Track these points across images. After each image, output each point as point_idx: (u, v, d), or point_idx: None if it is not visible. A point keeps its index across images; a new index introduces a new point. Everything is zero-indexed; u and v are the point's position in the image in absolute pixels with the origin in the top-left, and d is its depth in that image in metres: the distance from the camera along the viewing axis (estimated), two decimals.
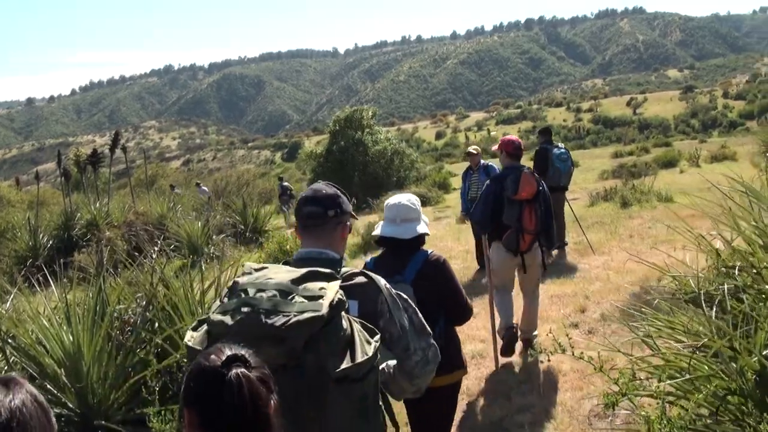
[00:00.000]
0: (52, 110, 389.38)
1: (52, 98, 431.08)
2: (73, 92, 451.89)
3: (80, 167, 17.66)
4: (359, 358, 2.16)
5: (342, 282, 2.40)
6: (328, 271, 2.35)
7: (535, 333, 7.00)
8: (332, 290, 2.22)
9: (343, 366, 2.12)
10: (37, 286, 5.76)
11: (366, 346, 2.22)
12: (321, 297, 2.17)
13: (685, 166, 24.21)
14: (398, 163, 30.07)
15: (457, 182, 28.60)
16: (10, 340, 4.79)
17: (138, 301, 5.21)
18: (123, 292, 5.34)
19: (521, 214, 6.42)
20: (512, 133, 47.18)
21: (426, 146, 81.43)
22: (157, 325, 5.00)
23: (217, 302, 2.26)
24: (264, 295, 2.17)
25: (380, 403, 2.38)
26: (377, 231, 4.00)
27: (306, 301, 2.15)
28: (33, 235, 14.95)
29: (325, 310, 2.12)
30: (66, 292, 5.09)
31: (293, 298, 2.16)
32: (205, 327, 2.23)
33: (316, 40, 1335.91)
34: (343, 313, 2.24)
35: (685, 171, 22.92)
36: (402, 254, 3.89)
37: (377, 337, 2.28)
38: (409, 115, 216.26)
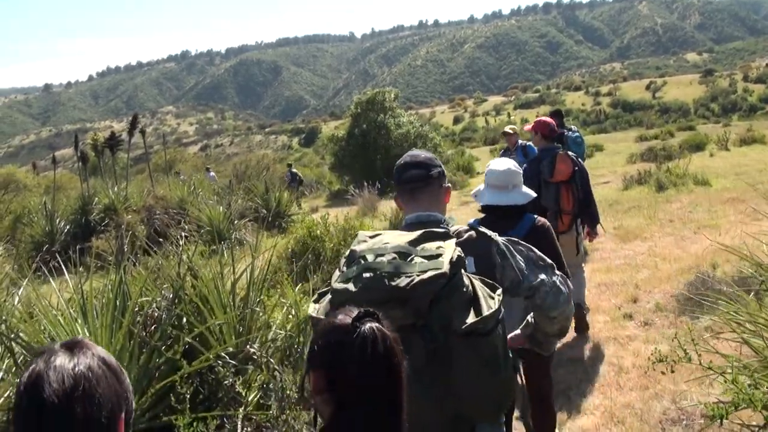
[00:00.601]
0: (69, 96, 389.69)
1: (69, 84, 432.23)
2: (90, 78, 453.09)
3: (98, 151, 17.19)
4: (484, 313, 2.19)
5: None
6: (442, 230, 2.38)
7: (587, 307, 6.85)
8: (450, 248, 2.25)
9: (469, 321, 2.16)
10: (49, 275, 5.21)
11: (489, 301, 2.24)
12: (440, 255, 2.21)
13: (714, 150, 23.62)
14: (421, 147, 29.45)
15: (480, 166, 28.16)
16: (20, 337, 4.19)
17: (163, 293, 4.62)
18: (146, 282, 4.73)
19: (558, 196, 6.33)
20: (530, 118, 46.89)
21: (444, 131, 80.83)
22: (185, 320, 4.42)
23: (336, 272, 2.30)
24: (384, 259, 2.21)
25: (510, 356, 2.35)
26: (484, 198, 3.79)
27: (426, 260, 2.19)
28: (50, 220, 14.51)
29: (446, 267, 2.16)
30: (82, 282, 4.49)
31: (413, 259, 2.20)
32: (327, 297, 2.30)
33: (333, 24, 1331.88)
34: (462, 270, 2.27)
35: (714, 154, 22.36)
36: (511, 219, 3.74)
37: (499, 291, 2.31)
38: (426, 100, 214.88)
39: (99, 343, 4.14)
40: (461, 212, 15.82)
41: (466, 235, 2.71)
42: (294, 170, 25.85)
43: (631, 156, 23.90)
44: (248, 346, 4.31)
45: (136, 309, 4.33)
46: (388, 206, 16.27)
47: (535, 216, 3.81)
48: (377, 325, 1.60)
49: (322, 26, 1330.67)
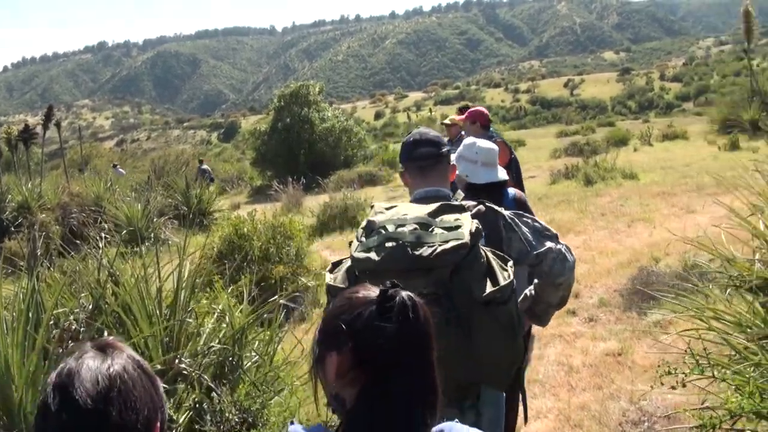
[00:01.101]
0: None
1: None
2: (6, 69, 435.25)
3: (11, 145, 16.33)
4: (501, 283, 2.26)
5: None
6: (458, 203, 2.49)
7: None
8: (468, 220, 2.32)
9: (489, 290, 2.24)
10: None
11: (503, 272, 2.31)
12: (459, 227, 2.27)
13: (638, 145, 23.97)
14: (346, 141, 29.06)
15: None
16: None
17: (82, 302, 4.13)
18: (62, 290, 4.20)
19: None
20: (451, 114, 47.11)
21: (366, 126, 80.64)
22: (106, 333, 3.90)
23: (354, 242, 2.34)
24: (405, 229, 2.25)
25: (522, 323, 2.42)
26: (482, 177, 3.64)
27: (445, 232, 2.25)
28: None
29: (467, 238, 2.23)
30: None
31: (433, 229, 2.26)
32: (343, 267, 2.38)
33: (253, 18, 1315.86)
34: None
35: (638, 149, 22.68)
36: (493, 194, 3.56)
37: (510, 263, 2.38)
38: (348, 95, 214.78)
39: (10, 365, 3.68)
40: None
41: (474, 210, 2.69)
42: (205, 166, 25.03)
43: (555, 151, 24.08)
44: (177, 362, 3.87)
45: (52, 322, 3.82)
46: (314, 201, 15.88)
47: (510, 189, 3.84)
48: (409, 293, 1.55)
49: (242, 19, 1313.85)
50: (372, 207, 2.49)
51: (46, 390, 1.37)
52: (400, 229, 2.25)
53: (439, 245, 2.18)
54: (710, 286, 4.55)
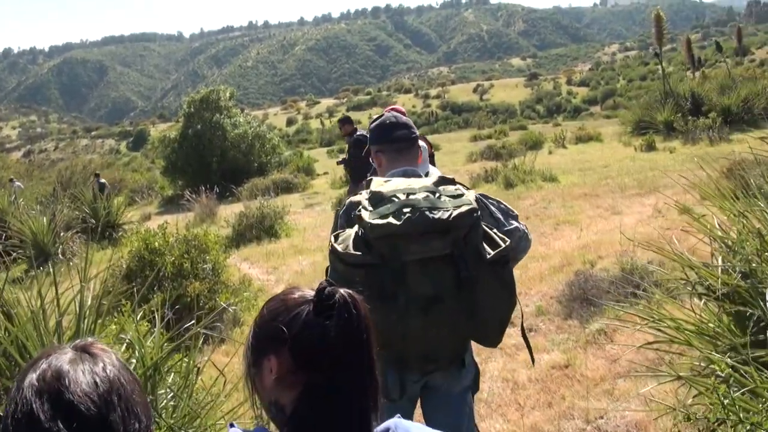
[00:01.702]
0: None
1: None
2: None
3: None
4: (502, 244, 2.45)
5: None
6: (450, 177, 2.63)
7: None
8: (466, 190, 2.54)
9: (496, 250, 2.41)
10: None
11: (497, 236, 2.50)
12: (462, 195, 2.48)
13: (552, 148, 24.09)
14: (259, 148, 28.33)
15: (319, 167, 27.54)
16: None
17: None
18: None
19: None
20: (363, 120, 47.13)
21: (278, 133, 79.69)
22: None
23: (364, 212, 2.42)
24: (418, 196, 2.42)
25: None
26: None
27: (452, 199, 2.44)
28: None
29: (474, 203, 2.45)
30: None
31: (440, 197, 2.44)
32: (348, 235, 2.48)
33: (160, 23, 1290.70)
34: None
35: (553, 152, 22.77)
36: None
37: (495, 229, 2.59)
38: (259, 102, 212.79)
39: None
40: (307, 216, 15.11)
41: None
42: (102, 180, 23.80)
43: (471, 155, 24.00)
44: None
45: None
46: (229, 211, 15.27)
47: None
48: (346, 289, 1.48)
49: (149, 25, 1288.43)
50: (370, 181, 2.63)
51: (23, 397, 1.14)
52: (412, 197, 2.40)
53: (454, 209, 2.35)
54: (657, 292, 4.32)
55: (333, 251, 2.43)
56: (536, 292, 7.02)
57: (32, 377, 1.18)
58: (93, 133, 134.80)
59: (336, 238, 2.50)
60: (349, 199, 2.80)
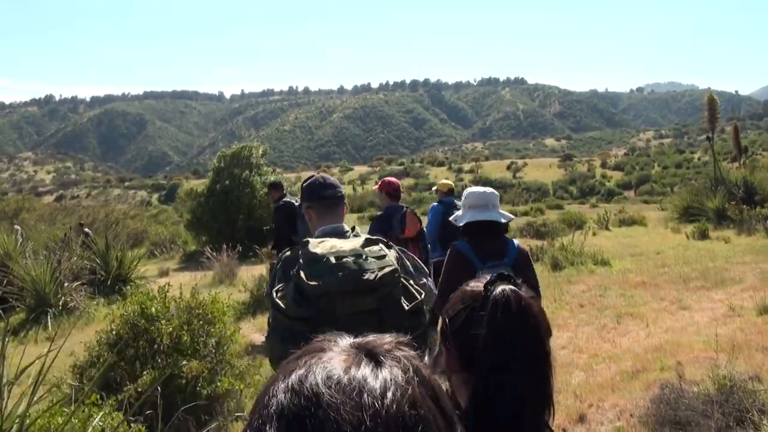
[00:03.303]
0: None
1: None
2: None
3: None
4: (418, 297, 2.76)
5: None
6: (375, 237, 2.90)
7: None
8: (387, 250, 2.83)
9: (413, 303, 2.72)
10: None
11: (413, 288, 2.79)
12: (384, 256, 2.76)
13: (596, 229, 22.95)
14: None
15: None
16: None
17: None
18: None
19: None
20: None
21: None
22: None
23: (302, 271, 2.63)
24: (348, 259, 2.66)
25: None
26: (465, 218, 4.20)
27: (376, 260, 2.71)
28: None
29: (395, 263, 2.74)
30: None
31: (366, 258, 2.69)
32: (290, 289, 2.65)
33: (202, 82, 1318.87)
34: None
35: (597, 234, 21.60)
36: (492, 239, 4.09)
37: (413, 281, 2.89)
38: (293, 165, 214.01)
39: None
40: None
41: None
42: (87, 230, 22.79)
43: (510, 231, 22.93)
44: None
45: None
46: (248, 274, 14.19)
47: (512, 239, 4.24)
48: (509, 286, 1.51)
49: (191, 83, 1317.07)
50: (307, 242, 2.78)
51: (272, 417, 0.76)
52: (345, 259, 2.66)
53: (379, 270, 2.66)
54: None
55: (275, 306, 2.65)
56: (611, 406, 5.61)
57: (282, 384, 0.81)
58: (126, 184, 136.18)
59: (276, 293, 2.70)
60: (284, 255, 2.94)
